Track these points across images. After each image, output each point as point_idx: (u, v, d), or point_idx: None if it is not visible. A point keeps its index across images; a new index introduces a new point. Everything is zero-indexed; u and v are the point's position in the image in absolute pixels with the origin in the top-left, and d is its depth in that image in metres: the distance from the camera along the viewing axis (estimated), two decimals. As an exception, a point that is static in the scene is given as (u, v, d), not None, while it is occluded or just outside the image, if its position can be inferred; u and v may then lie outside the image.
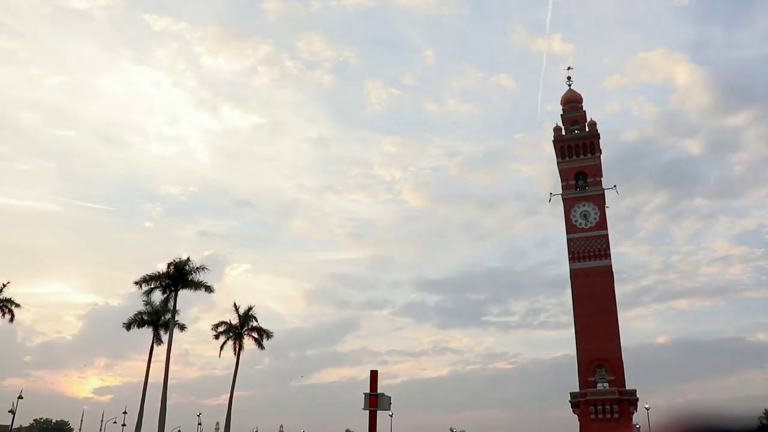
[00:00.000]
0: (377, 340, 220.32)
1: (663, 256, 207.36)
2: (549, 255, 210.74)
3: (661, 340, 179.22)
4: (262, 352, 62.00)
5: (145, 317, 55.56)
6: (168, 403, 49.16)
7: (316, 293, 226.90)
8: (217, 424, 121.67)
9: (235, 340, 58.77)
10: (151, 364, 54.83)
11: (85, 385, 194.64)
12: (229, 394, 57.98)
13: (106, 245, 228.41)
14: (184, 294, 51.49)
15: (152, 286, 50.71)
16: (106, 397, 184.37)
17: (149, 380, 55.07)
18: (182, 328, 56.15)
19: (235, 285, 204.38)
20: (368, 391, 17.55)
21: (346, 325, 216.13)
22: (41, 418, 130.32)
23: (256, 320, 60.07)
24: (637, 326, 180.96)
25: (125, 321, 56.16)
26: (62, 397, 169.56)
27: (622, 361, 59.25)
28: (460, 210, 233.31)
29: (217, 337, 58.79)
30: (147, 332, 55.89)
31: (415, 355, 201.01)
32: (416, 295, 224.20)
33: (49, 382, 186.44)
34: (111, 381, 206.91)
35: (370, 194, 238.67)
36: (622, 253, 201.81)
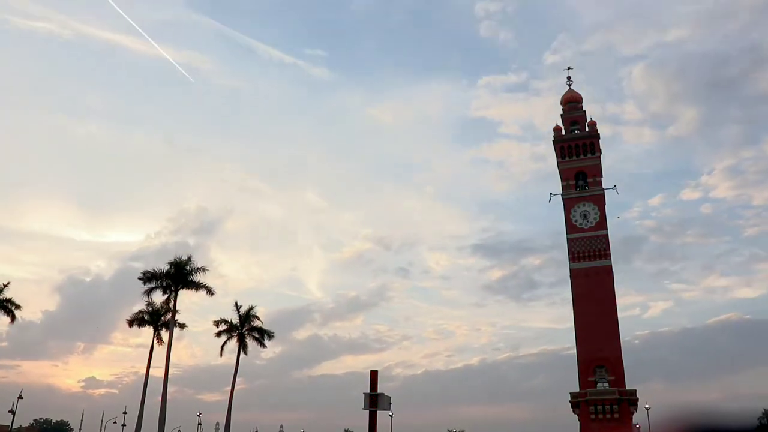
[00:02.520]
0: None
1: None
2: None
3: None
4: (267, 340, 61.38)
5: (146, 317, 55.63)
6: (167, 398, 49.29)
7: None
8: (217, 424, 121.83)
9: (236, 339, 58.81)
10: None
11: (68, 377, 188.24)
12: (229, 393, 58.08)
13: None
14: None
15: (153, 285, 50.78)
16: (100, 391, 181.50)
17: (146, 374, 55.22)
18: (182, 327, 56.19)
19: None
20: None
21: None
22: (41, 418, 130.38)
23: (259, 319, 60.16)
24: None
25: (129, 318, 56.44)
26: (48, 390, 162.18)
27: (622, 361, 59.25)
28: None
29: (219, 335, 58.81)
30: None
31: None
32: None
33: (35, 374, 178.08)
34: (98, 371, 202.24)
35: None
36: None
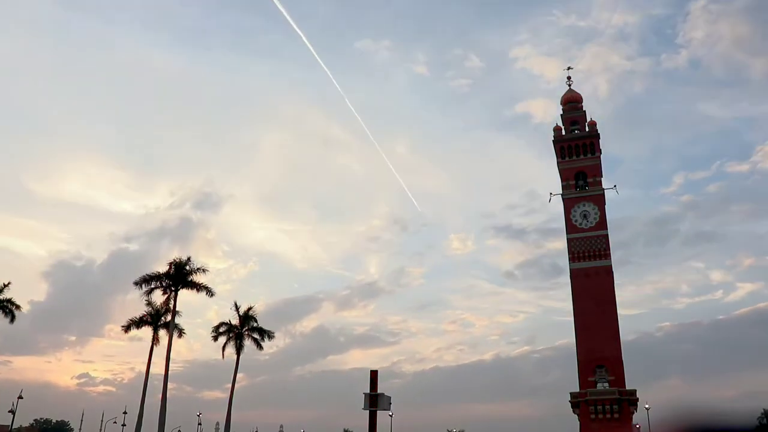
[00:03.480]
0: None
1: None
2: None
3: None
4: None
5: (144, 317, 55.47)
6: (167, 398, 49.21)
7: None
8: (217, 424, 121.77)
9: (235, 340, 58.76)
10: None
11: (63, 374, 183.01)
12: (229, 393, 58.05)
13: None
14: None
15: (152, 285, 50.69)
16: (97, 389, 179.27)
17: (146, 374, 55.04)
18: (181, 333, 55.88)
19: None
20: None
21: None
22: (41, 418, 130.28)
23: (256, 321, 60.09)
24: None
25: (124, 324, 55.97)
26: (43, 388, 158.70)
27: (622, 361, 59.24)
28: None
29: (215, 338, 58.75)
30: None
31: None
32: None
33: (30, 370, 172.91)
34: (93, 367, 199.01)
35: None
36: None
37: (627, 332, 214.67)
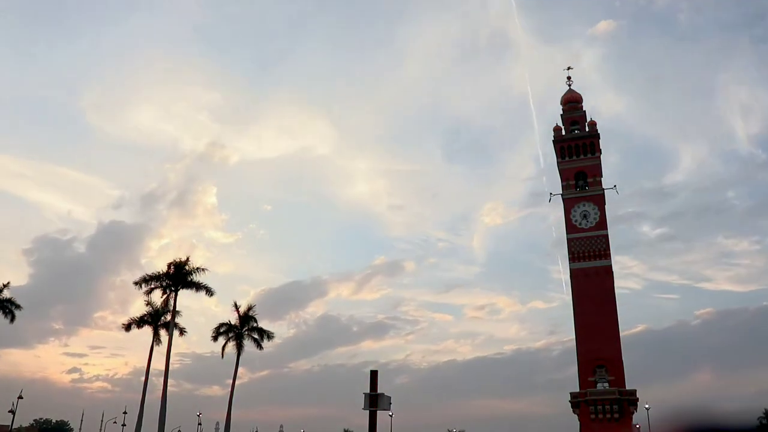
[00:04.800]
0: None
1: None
2: None
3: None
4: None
5: (145, 317, 55.54)
6: (166, 398, 49.20)
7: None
8: (217, 424, 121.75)
9: (235, 341, 58.75)
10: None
11: (55, 369, 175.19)
12: (230, 392, 58.06)
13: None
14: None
15: (152, 285, 50.73)
16: (92, 386, 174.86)
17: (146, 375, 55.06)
18: (182, 332, 55.95)
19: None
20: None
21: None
22: (41, 418, 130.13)
23: (255, 321, 60.09)
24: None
25: (125, 323, 56.11)
26: (37, 384, 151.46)
27: (622, 361, 59.30)
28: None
29: (215, 339, 58.74)
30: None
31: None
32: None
33: (23, 365, 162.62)
34: (85, 361, 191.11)
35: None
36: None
37: (659, 319, 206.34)
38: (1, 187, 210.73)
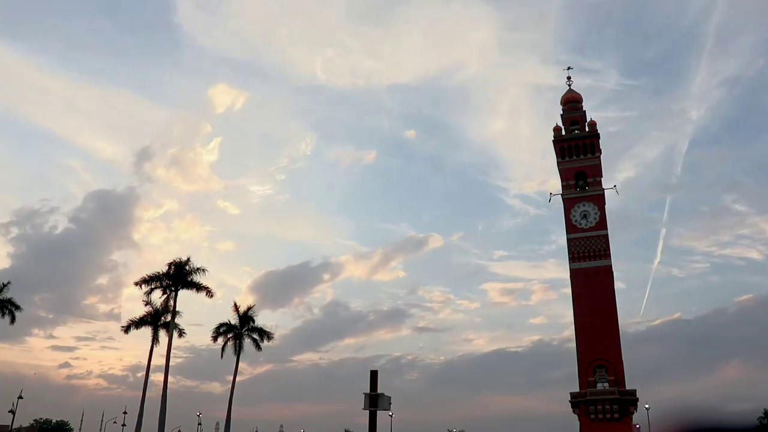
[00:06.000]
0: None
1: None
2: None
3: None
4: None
5: (145, 318, 55.55)
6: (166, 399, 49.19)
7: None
8: (217, 424, 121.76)
9: (234, 341, 58.78)
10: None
11: (49, 365, 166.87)
12: (230, 391, 58.09)
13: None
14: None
15: (152, 286, 50.75)
16: (87, 382, 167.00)
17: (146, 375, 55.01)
18: (181, 333, 55.88)
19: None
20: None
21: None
22: (41, 418, 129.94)
23: (253, 321, 60.12)
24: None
25: (124, 324, 56.16)
26: (30, 380, 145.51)
27: (622, 361, 59.31)
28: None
29: (215, 339, 58.77)
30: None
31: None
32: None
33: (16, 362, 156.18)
34: (76, 355, 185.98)
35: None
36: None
37: (692, 305, 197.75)
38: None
